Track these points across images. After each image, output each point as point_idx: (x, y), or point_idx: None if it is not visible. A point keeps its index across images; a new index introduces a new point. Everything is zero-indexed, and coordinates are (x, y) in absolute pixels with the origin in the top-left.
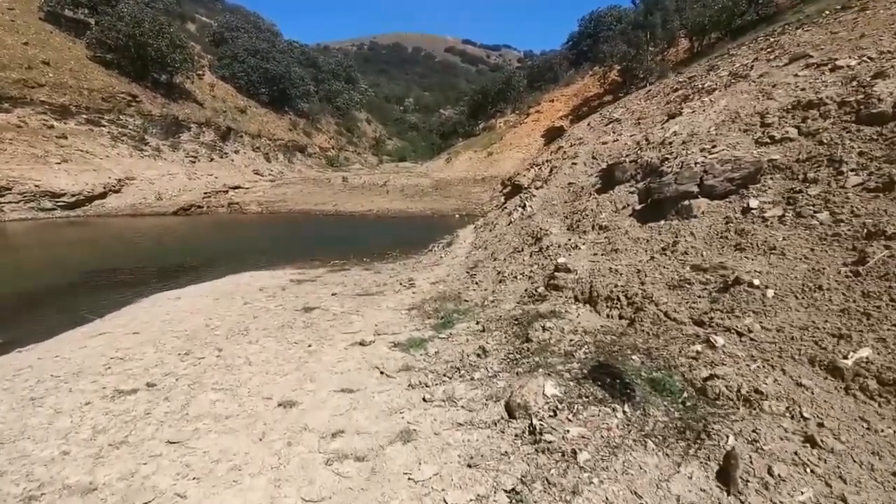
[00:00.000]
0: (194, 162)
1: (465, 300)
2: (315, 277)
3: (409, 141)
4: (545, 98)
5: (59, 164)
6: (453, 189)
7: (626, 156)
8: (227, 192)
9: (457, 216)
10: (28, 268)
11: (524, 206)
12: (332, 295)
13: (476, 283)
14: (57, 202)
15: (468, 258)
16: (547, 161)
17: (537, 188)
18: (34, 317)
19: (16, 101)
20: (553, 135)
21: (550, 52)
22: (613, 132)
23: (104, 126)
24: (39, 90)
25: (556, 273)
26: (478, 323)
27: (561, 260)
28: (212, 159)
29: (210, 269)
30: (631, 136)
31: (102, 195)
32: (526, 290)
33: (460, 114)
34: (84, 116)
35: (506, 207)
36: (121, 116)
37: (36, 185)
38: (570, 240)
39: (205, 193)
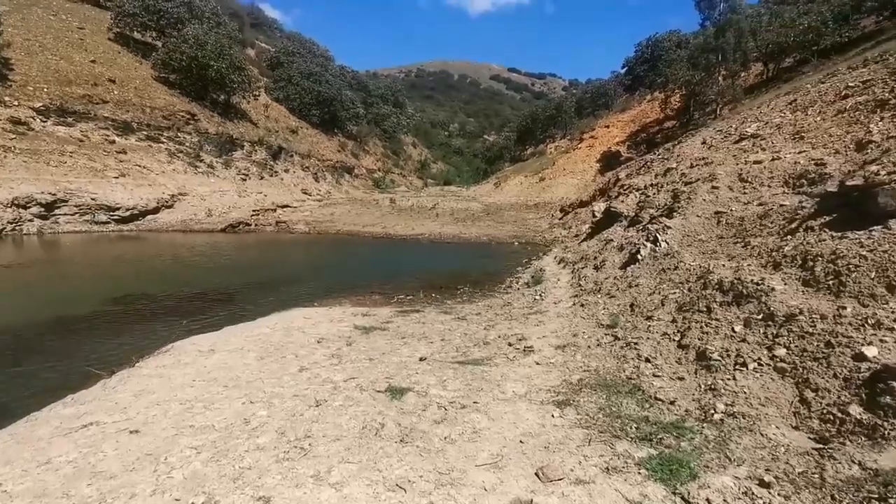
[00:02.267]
0: (245, 179)
1: (656, 397)
2: (384, 323)
3: (454, 165)
4: (600, 123)
5: (117, 178)
6: (506, 214)
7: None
8: (275, 210)
9: (516, 244)
10: (59, 289)
11: (655, 242)
12: (421, 361)
13: (648, 363)
14: (112, 216)
15: (583, 306)
16: (652, 185)
17: (666, 218)
18: (29, 367)
19: (80, 115)
20: (611, 161)
21: (597, 80)
22: (761, 149)
23: (163, 143)
24: (104, 106)
25: (890, 383)
26: (763, 484)
27: (873, 353)
28: (262, 177)
29: (255, 298)
30: (800, 152)
31: (155, 210)
32: (804, 402)
33: (507, 139)
34: (144, 133)
35: (610, 241)
36: (179, 133)
37: (92, 198)
38: (843, 308)
39: (253, 211)
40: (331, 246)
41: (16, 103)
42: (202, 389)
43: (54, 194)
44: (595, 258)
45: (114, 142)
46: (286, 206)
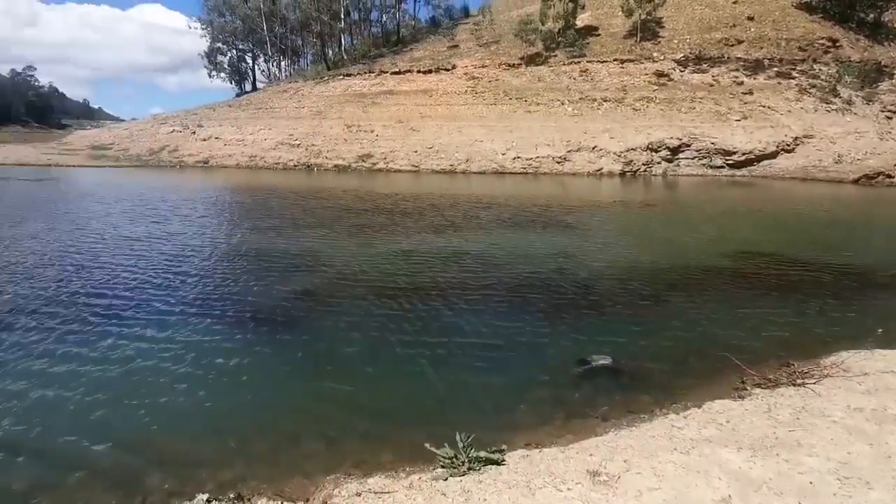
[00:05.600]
0: (890, 118)
1: None
2: None
3: None
4: None
5: (738, 121)
6: None
7: None
8: None
9: None
10: (681, 233)
11: None
12: None
13: None
14: (726, 160)
15: None
16: None
17: None
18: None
19: (713, 60)
20: None
21: None
22: None
23: (793, 78)
24: (737, 47)
25: None
26: None
27: None
28: None
29: None
30: None
31: (772, 154)
32: None
33: None
34: (775, 70)
35: None
36: (813, 66)
37: (712, 143)
38: None
39: None
40: None
41: (661, 58)
42: None
43: (680, 139)
44: None
45: (741, 83)
46: None
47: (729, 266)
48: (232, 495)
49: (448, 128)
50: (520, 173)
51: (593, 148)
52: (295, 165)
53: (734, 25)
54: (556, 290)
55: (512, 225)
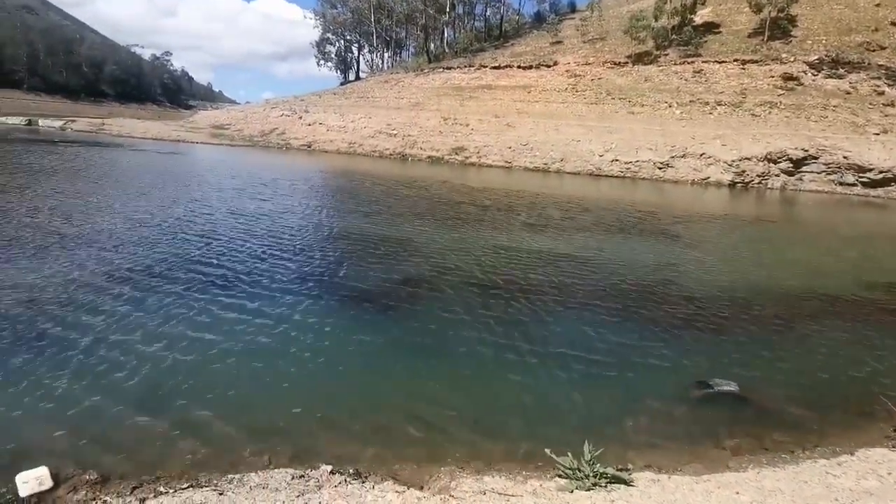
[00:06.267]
0: None
1: None
2: None
3: None
4: None
5: (877, 134)
6: None
7: None
8: None
9: None
10: (805, 254)
11: None
12: None
13: None
14: (860, 177)
15: None
16: None
17: None
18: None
19: (852, 65)
20: None
21: None
22: None
23: None
24: (879, 53)
25: None
26: None
27: None
28: None
29: None
30: None
31: None
32: None
33: None
34: None
35: None
36: None
37: (844, 157)
38: None
39: None
40: None
41: (791, 59)
42: None
43: (806, 150)
44: None
45: (882, 93)
46: None
47: (875, 297)
48: (351, 470)
49: (544, 125)
50: (616, 177)
51: (701, 155)
52: (390, 154)
53: (876, 29)
54: (668, 303)
55: (615, 230)
